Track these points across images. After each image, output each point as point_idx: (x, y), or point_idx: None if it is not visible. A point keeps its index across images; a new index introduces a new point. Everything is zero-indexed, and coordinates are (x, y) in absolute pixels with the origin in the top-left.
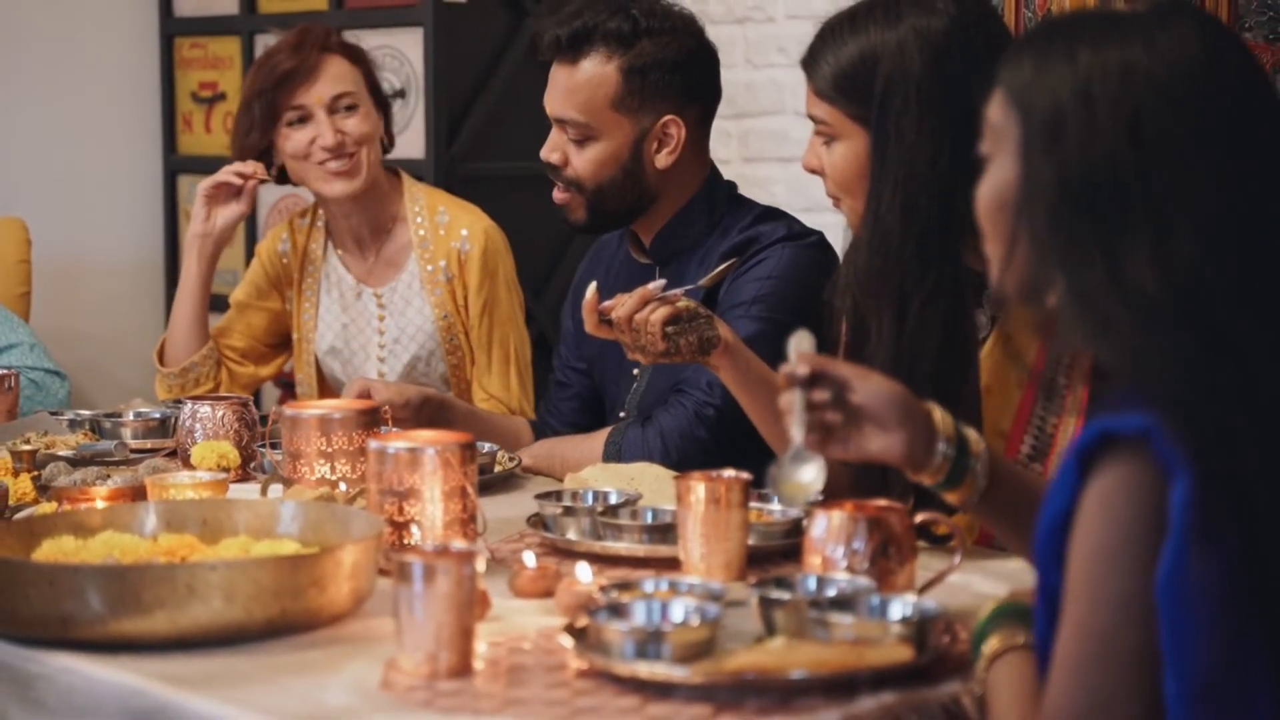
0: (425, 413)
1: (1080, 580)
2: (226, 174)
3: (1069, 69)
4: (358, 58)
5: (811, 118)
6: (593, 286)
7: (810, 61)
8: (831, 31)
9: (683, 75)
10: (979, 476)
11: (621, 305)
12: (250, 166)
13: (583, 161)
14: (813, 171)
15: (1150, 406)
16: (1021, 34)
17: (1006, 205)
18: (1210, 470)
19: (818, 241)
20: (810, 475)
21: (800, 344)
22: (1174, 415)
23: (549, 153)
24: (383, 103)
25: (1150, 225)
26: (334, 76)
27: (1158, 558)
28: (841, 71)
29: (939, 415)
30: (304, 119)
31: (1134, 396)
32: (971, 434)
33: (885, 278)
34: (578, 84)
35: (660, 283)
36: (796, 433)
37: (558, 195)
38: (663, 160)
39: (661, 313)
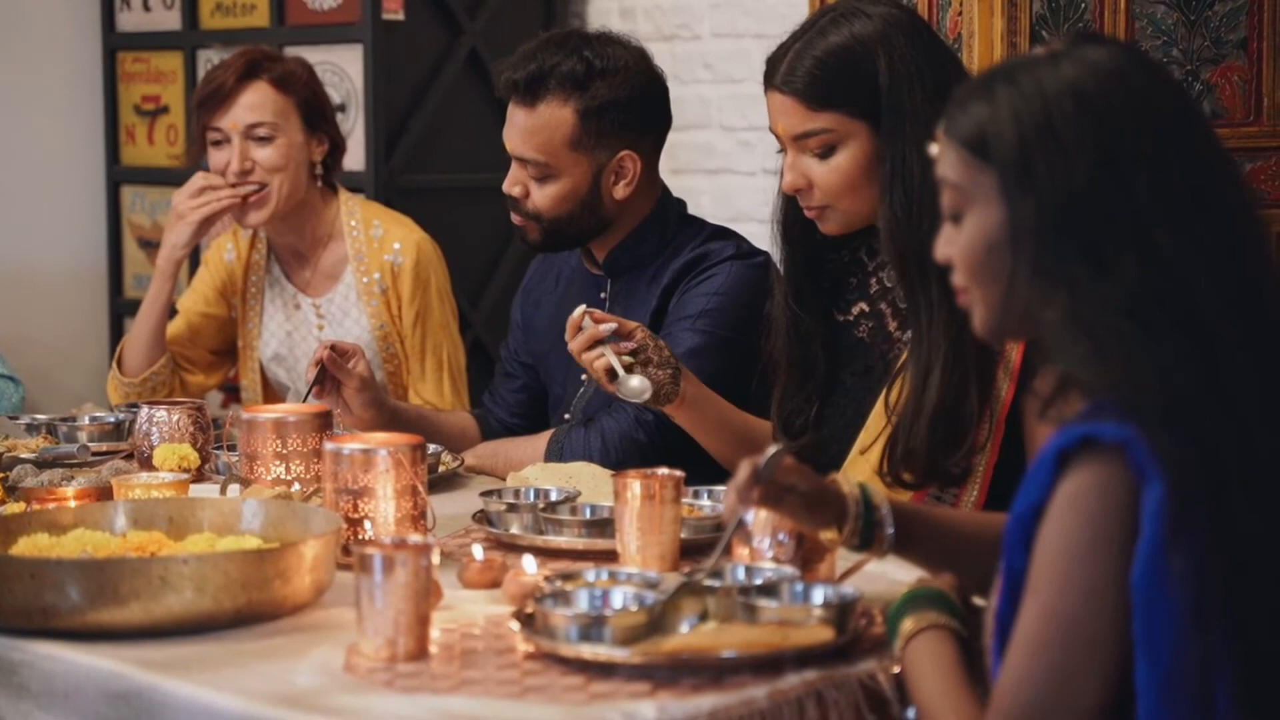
0: (380, 418)
1: (1049, 568)
2: (222, 201)
3: (1021, 103)
4: (288, 85)
5: (803, 136)
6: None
7: (793, 82)
8: (806, 47)
9: (636, 112)
10: (885, 529)
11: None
12: (216, 179)
13: (543, 197)
14: (797, 191)
15: (1131, 418)
16: (952, 95)
17: (996, 249)
18: (1184, 480)
19: (764, 261)
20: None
21: (773, 459)
22: (1153, 429)
23: (510, 187)
24: (323, 128)
25: (1135, 234)
26: (250, 105)
27: (1126, 555)
28: (837, 76)
29: (852, 504)
30: (221, 141)
31: (1114, 406)
32: (875, 493)
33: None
34: (535, 126)
35: (581, 308)
36: (720, 546)
37: (516, 219)
38: (620, 192)
39: (602, 364)
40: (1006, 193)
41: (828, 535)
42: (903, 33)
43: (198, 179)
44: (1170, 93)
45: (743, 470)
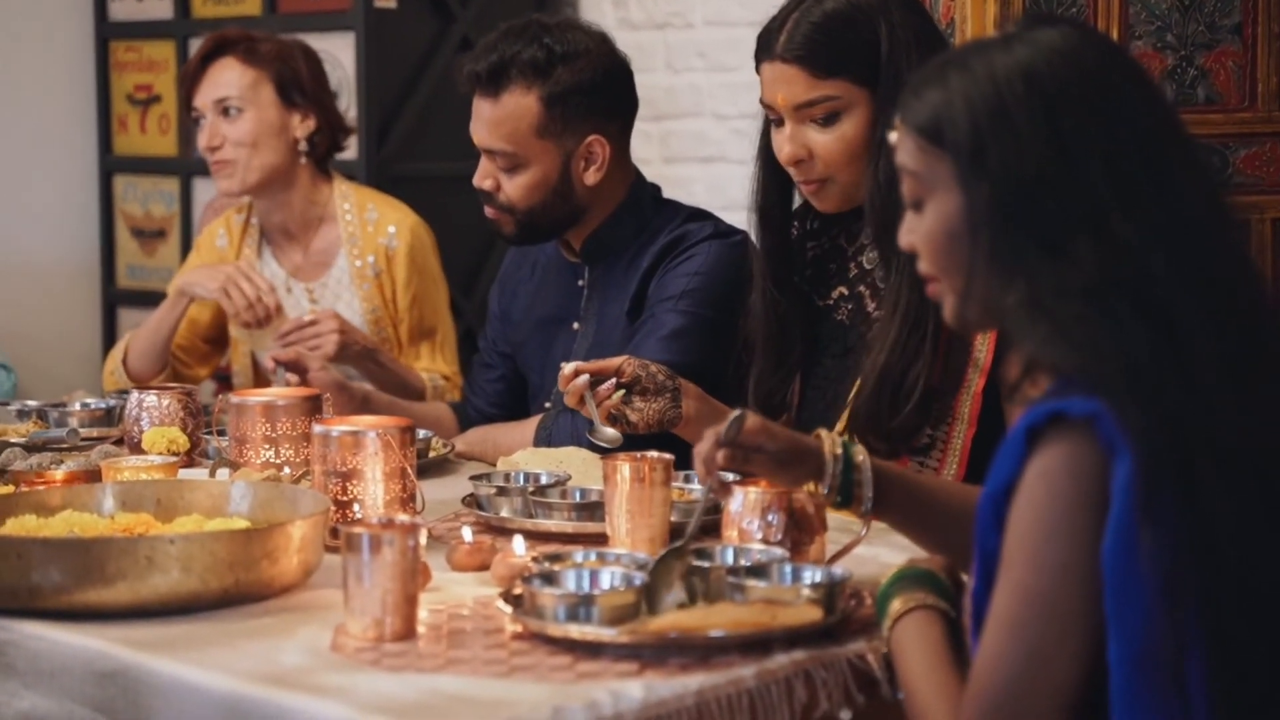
0: (349, 406)
1: (1021, 546)
2: (241, 316)
3: (973, 88)
4: (256, 59)
5: (806, 105)
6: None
7: (795, 49)
8: (805, 15)
9: (601, 96)
10: (865, 489)
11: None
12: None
13: (514, 188)
14: (797, 162)
15: (1098, 394)
16: (907, 83)
17: (956, 236)
18: (1152, 453)
19: (743, 240)
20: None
21: (734, 424)
22: (1121, 403)
23: (481, 180)
24: (303, 104)
25: (1090, 218)
26: (216, 81)
27: (1097, 530)
28: (840, 41)
29: (830, 461)
30: (199, 121)
31: (1080, 382)
32: (857, 451)
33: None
34: (501, 117)
35: (571, 365)
36: (699, 511)
37: (490, 213)
38: (591, 177)
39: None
40: (962, 179)
41: (808, 489)
42: (898, 1)
43: (270, 295)
44: (1125, 72)
45: (706, 438)
